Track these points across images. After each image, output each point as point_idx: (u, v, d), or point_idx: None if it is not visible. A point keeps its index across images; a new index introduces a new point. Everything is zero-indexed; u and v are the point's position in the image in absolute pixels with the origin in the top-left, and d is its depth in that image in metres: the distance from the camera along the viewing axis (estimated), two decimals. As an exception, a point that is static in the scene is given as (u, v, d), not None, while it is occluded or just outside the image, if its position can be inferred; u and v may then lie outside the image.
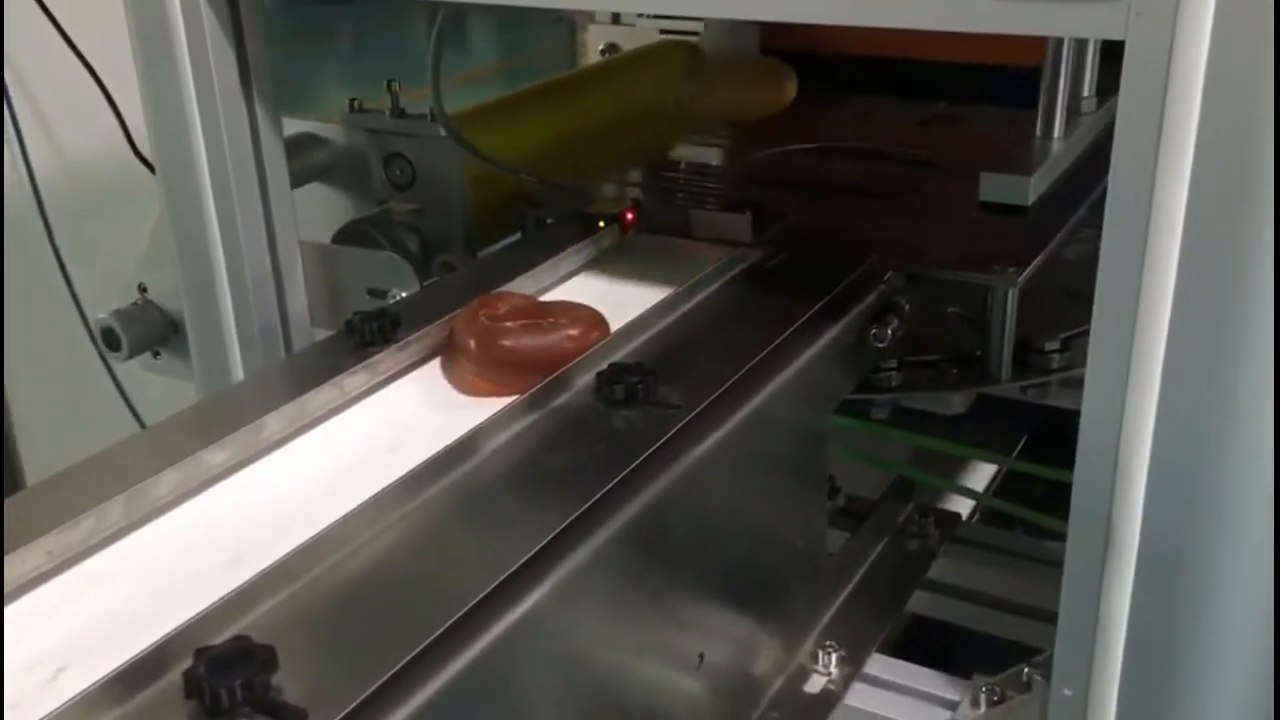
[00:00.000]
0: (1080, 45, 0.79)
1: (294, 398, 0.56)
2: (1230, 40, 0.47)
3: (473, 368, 0.60)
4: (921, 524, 0.82)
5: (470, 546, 0.48)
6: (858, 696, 0.68)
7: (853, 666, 0.69)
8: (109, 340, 1.01)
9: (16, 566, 0.45)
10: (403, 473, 0.50)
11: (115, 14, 0.76)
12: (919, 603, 0.80)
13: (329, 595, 0.44)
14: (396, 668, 0.39)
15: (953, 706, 0.67)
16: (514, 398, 0.57)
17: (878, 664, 0.70)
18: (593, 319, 0.62)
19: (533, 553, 0.46)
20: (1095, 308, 0.54)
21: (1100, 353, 0.54)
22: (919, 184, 0.98)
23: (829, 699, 0.68)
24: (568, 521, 0.48)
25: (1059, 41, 0.75)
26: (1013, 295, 0.75)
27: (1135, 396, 0.54)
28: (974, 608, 0.79)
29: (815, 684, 0.68)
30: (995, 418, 0.94)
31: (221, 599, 0.42)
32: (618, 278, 0.74)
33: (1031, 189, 0.71)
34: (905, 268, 0.74)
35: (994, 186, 0.72)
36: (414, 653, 0.40)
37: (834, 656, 0.69)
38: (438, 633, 0.41)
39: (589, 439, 0.55)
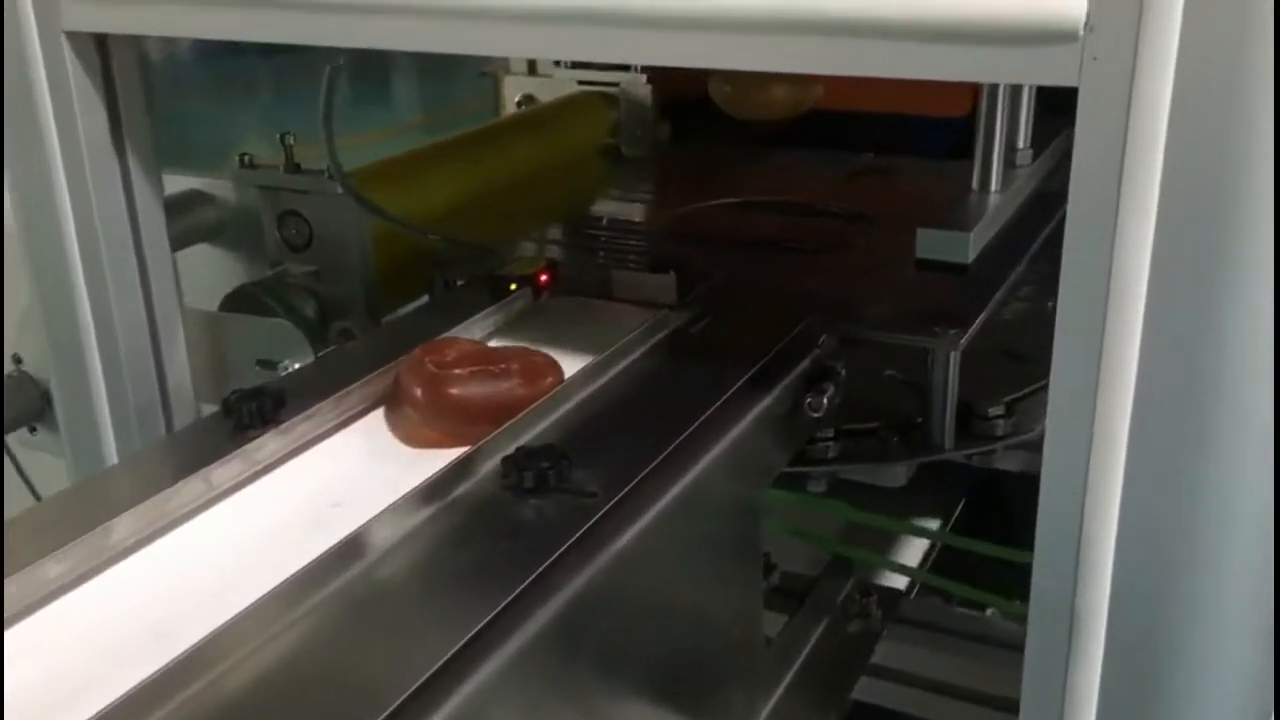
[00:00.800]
0: (1015, 94, 0.76)
1: (155, 493, 0.49)
2: (1195, 88, 0.43)
3: (419, 418, 0.57)
4: (863, 603, 0.76)
5: (361, 665, 0.42)
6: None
7: (794, 768, 0.63)
8: (-20, 409, 0.92)
9: None
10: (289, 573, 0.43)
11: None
12: (863, 689, 0.74)
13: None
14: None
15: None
16: (459, 449, 0.52)
17: (821, 764, 0.64)
18: (545, 365, 0.59)
19: (435, 668, 0.40)
20: (1052, 378, 0.49)
21: (1059, 425, 0.49)
22: (849, 239, 0.93)
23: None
24: (474, 631, 0.42)
25: (994, 90, 0.72)
26: (955, 358, 0.70)
27: (1098, 472, 0.49)
28: (921, 694, 0.74)
29: (754, 789, 0.62)
30: (934, 481, 0.90)
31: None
32: (531, 345, 0.67)
33: (971, 245, 0.67)
34: (840, 330, 0.69)
35: (931, 243, 0.67)
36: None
37: (773, 758, 0.63)
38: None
39: (496, 535, 0.48)
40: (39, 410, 0.93)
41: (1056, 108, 0.70)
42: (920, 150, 1.11)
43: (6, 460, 1.27)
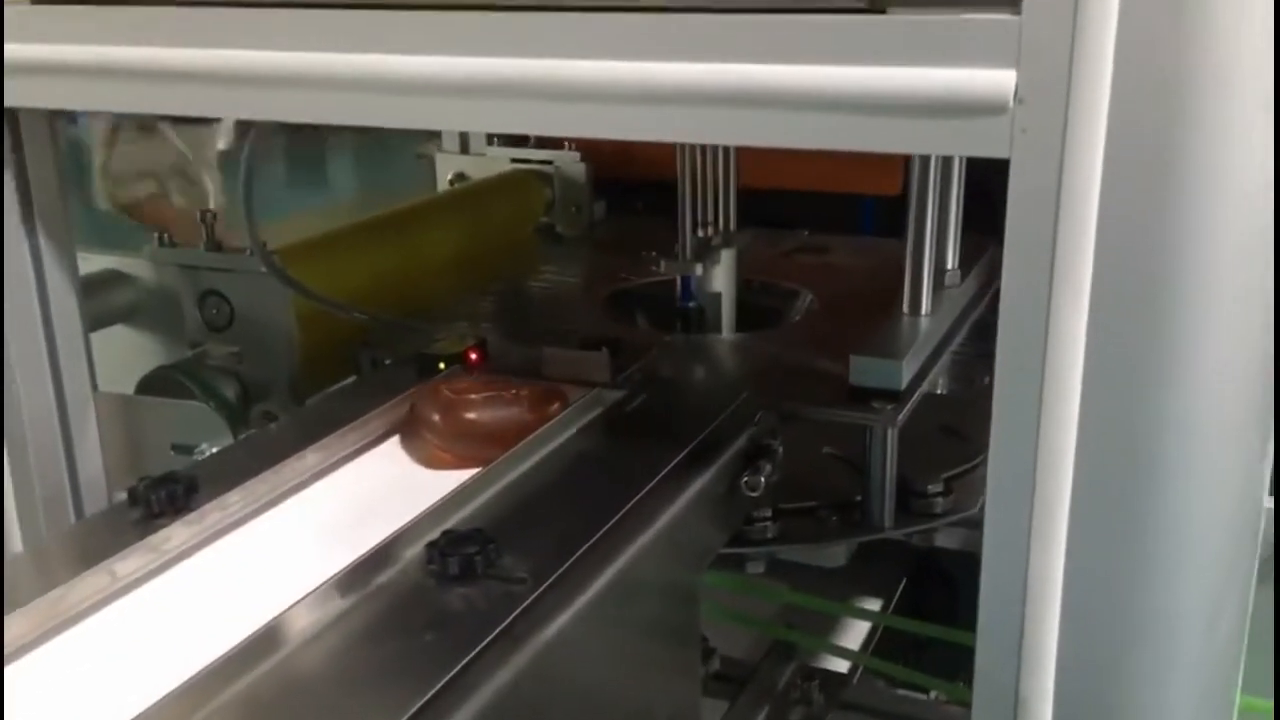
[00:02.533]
0: (944, 215, 0.77)
1: (53, 587, 0.46)
2: (1126, 156, 0.43)
3: (436, 440, 0.62)
4: (805, 688, 0.74)
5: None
6: None
7: None
8: None
9: None
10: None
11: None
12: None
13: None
14: None
15: None
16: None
17: None
18: (552, 392, 0.65)
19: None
20: (991, 456, 0.48)
21: (998, 504, 0.48)
22: (786, 315, 0.93)
23: None
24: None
25: (921, 215, 0.72)
26: (892, 434, 0.69)
27: (1039, 552, 0.48)
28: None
29: None
30: (875, 561, 0.88)
31: None
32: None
33: (904, 373, 0.67)
34: (777, 407, 0.68)
35: (864, 371, 0.67)
36: None
37: None
38: None
39: (419, 625, 0.46)
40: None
41: (983, 226, 0.70)
42: (854, 228, 1.12)
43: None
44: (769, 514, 0.70)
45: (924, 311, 0.76)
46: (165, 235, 0.80)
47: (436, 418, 0.62)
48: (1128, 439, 0.46)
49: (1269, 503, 0.58)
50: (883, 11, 0.45)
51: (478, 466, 0.57)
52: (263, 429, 0.76)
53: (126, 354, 0.82)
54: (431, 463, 0.61)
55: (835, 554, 0.72)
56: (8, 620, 0.43)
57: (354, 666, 0.44)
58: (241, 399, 0.78)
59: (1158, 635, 0.49)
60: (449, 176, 1.19)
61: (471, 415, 0.62)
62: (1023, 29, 0.43)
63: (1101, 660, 0.49)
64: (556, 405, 0.64)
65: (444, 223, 1.03)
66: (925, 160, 0.72)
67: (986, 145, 0.45)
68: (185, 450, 0.71)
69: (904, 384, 0.68)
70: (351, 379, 0.79)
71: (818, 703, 0.74)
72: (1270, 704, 0.62)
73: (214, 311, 0.79)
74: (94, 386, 0.72)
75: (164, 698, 0.40)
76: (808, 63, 0.46)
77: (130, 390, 0.77)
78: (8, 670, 0.43)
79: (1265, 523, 0.54)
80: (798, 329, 0.90)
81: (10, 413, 0.68)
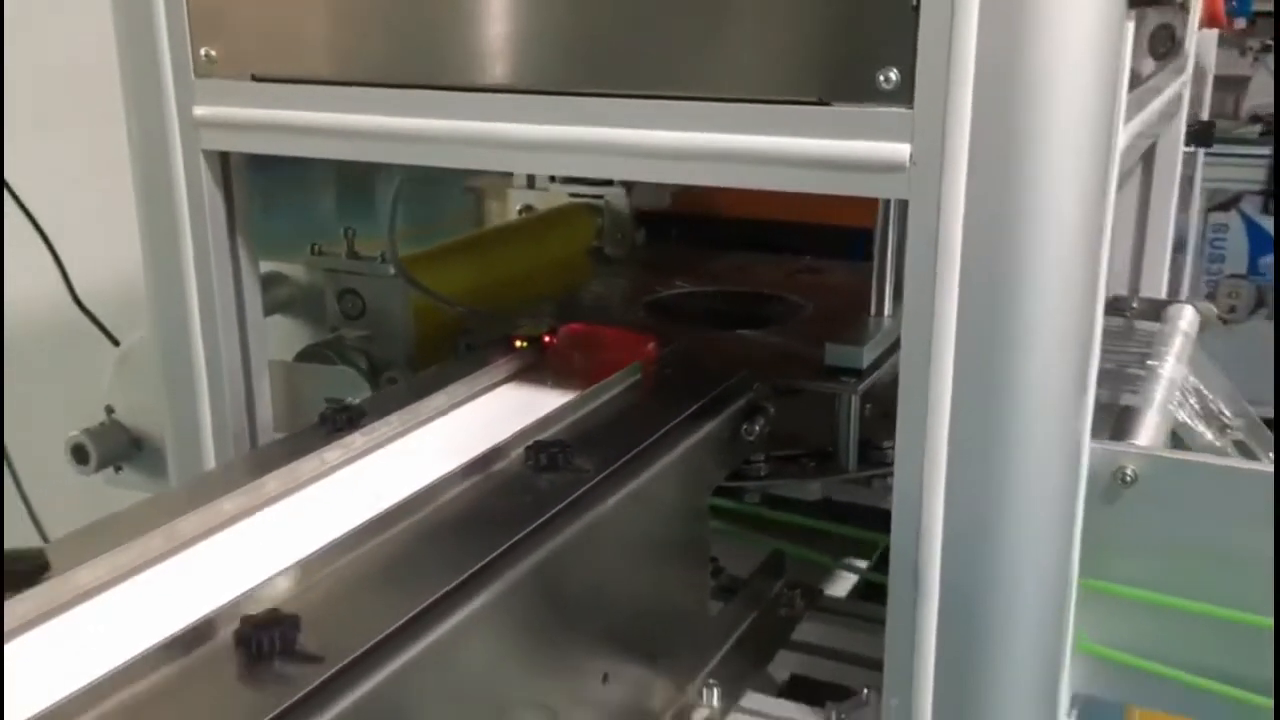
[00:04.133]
0: (902, 240, 1.02)
1: (289, 462, 0.72)
2: (980, 195, 0.67)
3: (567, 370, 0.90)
4: (789, 595, 0.98)
5: (420, 567, 0.63)
6: (735, 724, 0.83)
7: (730, 700, 0.84)
8: (78, 455, 1.14)
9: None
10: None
11: (58, 166, 0.92)
12: (786, 662, 0.95)
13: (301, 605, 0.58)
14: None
15: (812, 728, 0.82)
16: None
17: (750, 699, 0.85)
18: (647, 337, 0.91)
19: (478, 566, 0.62)
20: (899, 414, 0.72)
21: (904, 441, 0.72)
22: (788, 318, 1.18)
23: (712, 727, 0.82)
24: (498, 551, 0.64)
25: (884, 239, 0.97)
26: (855, 401, 0.94)
27: (930, 473, 0.72)
28: (834, 664, 0.95)
29: (700, 715, 0.83)
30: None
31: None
32: (538, 386, 0.91)
33: (865, 356, 0.92)
34: (771, 380, 0.93)
35: (836, 355, 0.93)
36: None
37: (715, 692, 0.84)
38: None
39: (521, 492, 0.71)
40: (127, 452, 1.15)
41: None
42: (846, 255, 1.36)
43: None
44: (763, 459, 0.95)
45: (886, 313, 1.00)
46: (316, 246, 1.06)
47: (570, 349, 0.89)
48: (988, 392, 0.70)
49: (1116, 446, 0.81)
50: (828, 104, 0.70)
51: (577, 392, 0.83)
52: (390, 387, 1.01)
53: (284, 335, 1.08)
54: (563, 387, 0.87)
55: (813, 490, 0.96)
56: (267, 479, 0.69)
57: (473, 520, 0.69)
58: (371, 371, 1.03)
59: (1007, 524, 0.72)
60: (518, 208, 1.46)
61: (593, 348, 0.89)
62: (915, 118, 0.68)
63: (970, 540, 0.72)
64: (651, 345, 0.88)
65: (516, 243, 1.28)
66: (886, 201, 0.97)
67: (894, 190, 0.70)
68: (333, 403, 0.97)
69: (865, 364, 0.93)
70: (452, 357, 1.04)
71: (799, 606, 0.98)
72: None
73: (350, 304, 1.05)
74: (267, 356, 0.97)
75: (360, 525, 0.64)
76: (781, 135, 0.71)
77: (290, 359, 1.03)
78: (265, 512, 0.68)
79: (1086, 456, 0.77)
80: (795, 328, 1.15)
81: (215, 376, 0.94)
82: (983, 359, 0.70)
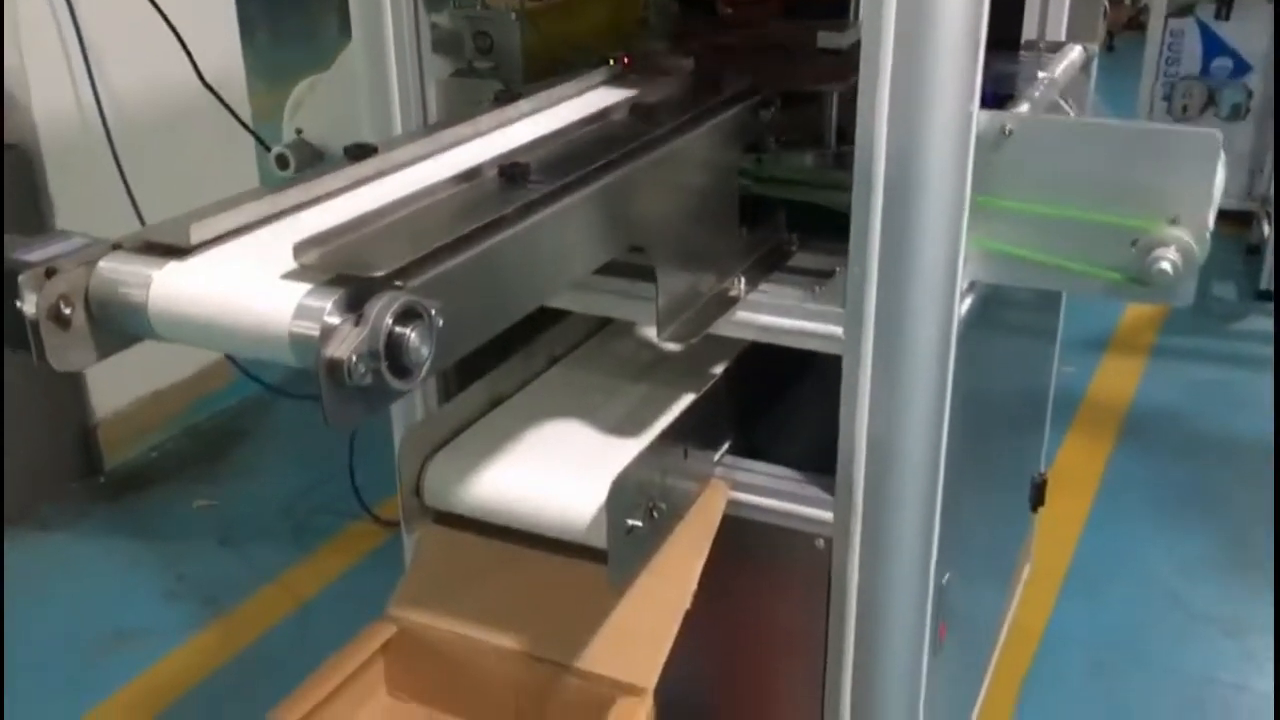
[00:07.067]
0: None
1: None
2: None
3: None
4: (790, 236, 1.45)
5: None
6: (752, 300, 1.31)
7: (751, 285, 1.32)
8: (280, 163, 1.60)
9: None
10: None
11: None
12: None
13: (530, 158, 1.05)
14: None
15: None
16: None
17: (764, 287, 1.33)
18: None
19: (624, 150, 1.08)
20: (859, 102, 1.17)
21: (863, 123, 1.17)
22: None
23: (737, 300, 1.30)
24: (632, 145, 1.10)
25: None
26: (835, 99, 1.39)
27: (877, 135, 1.17)
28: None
29: (733, 291, 1.31)
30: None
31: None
32: (624, 88, 1.36)
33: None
34: (778, 85, 1.37)
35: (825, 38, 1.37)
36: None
37: (742, 280, 1.31)
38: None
39: (630, 132, 1.17)
40: (313, 161, 1.61)
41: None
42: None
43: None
44: (774, 141, 1.40)
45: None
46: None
47: None
48: (913, 80, 1.14)
49: (1001, 111, 1.26)
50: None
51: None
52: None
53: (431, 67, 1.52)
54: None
55: (808, 159, 1.42)
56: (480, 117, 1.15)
57: (600, 139, 1.15)
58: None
59: (924, 161, 1.17)
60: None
61: None
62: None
63: (902, 170, 1.18)
64: None
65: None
66: None
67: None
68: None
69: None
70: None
71: (794, 240, 1.45)
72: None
73: (481, 41, 1.48)
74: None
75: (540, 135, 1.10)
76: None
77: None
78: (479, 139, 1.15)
79: (976, 116, 1.22)
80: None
81: (402, 87, 1.38)
82: (913, 56, 1.13)
